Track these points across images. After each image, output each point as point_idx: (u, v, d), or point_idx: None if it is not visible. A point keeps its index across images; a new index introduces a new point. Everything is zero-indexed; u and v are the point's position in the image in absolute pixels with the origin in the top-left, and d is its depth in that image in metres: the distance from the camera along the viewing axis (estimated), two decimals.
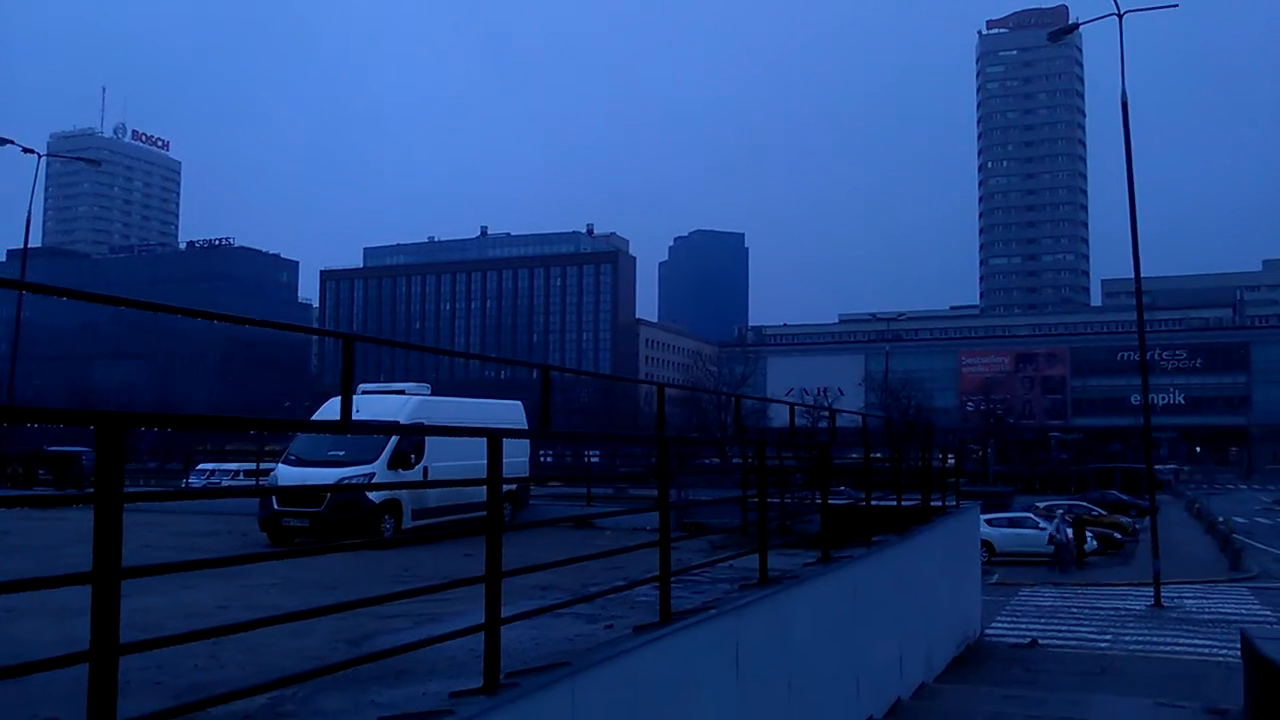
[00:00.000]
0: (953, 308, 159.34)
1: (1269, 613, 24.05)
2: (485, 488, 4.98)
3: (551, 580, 8.52)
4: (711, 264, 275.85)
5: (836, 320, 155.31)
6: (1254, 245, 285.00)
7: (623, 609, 7.49)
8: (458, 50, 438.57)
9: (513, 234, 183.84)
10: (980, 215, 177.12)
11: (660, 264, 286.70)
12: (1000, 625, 21.81)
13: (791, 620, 8.71)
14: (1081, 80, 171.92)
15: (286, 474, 15.46)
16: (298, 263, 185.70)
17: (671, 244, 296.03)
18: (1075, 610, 24.63)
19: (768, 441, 10.09)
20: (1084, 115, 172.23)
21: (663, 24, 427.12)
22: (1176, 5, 27.98)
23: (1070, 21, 29.67)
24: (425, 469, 15.60)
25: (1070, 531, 32.26)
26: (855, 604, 10.85)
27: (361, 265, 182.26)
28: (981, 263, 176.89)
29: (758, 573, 8.67)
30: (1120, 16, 26.22)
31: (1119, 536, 37.65)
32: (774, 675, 8.15)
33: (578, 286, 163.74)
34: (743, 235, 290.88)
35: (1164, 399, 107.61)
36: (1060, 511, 34.46)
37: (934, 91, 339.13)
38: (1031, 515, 37.55)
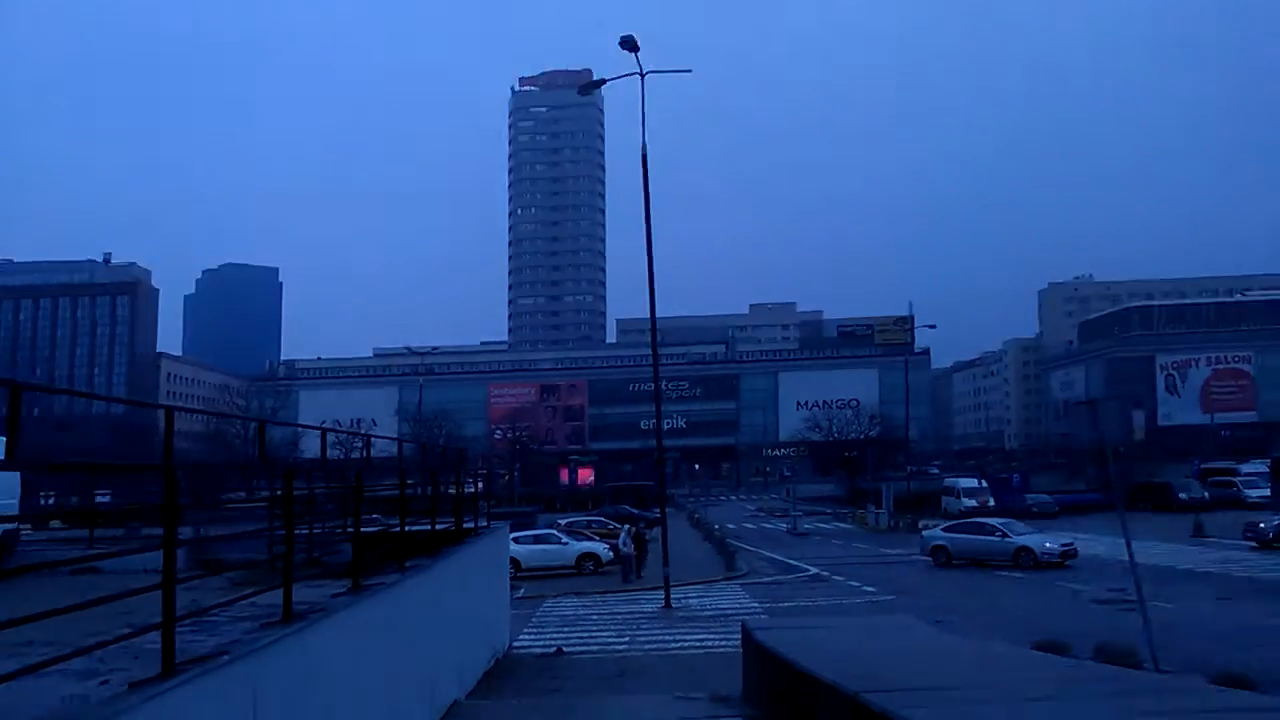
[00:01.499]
0: (483, 343, 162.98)
1: (757, 605, 26.31)
2: None
3: (48, 636, 7.31)
4: (243, 298, 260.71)
5: (371, 354, 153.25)
6: (744, 291, 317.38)
7: (126, 660, 6.53)
8: None
9: (15, 260, 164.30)
10: (510, 258, 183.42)
11: (186, 297, 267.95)
12: (527, 637, 22.10)
13: (319, 657, 8.02)
14: (602, 138, 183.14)
15: None
16: None
17: (200, 277, 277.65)
18: (595, 617, 25.56)
19: (298, 471, 9.38)
20: (604, 170, 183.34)
21: (190, 41, 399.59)
22: (690, 71, 30.38)
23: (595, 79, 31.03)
24: None
25: (632, 544, 33.40)
26: (389, 632, 10.34)
27: None
28: (510, 302, 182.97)
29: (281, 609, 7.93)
30: (642, 76, 27.39)
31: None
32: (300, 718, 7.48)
33: (90, 320, 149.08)
34: (277, 270, 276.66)
35: (669, 424, 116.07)
36: (627, 528, 35.74)
37: (473, 140, 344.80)
38: (554, 531, 38.88)
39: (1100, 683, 10.00)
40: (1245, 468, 63.20)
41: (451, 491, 16.88)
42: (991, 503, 56.14)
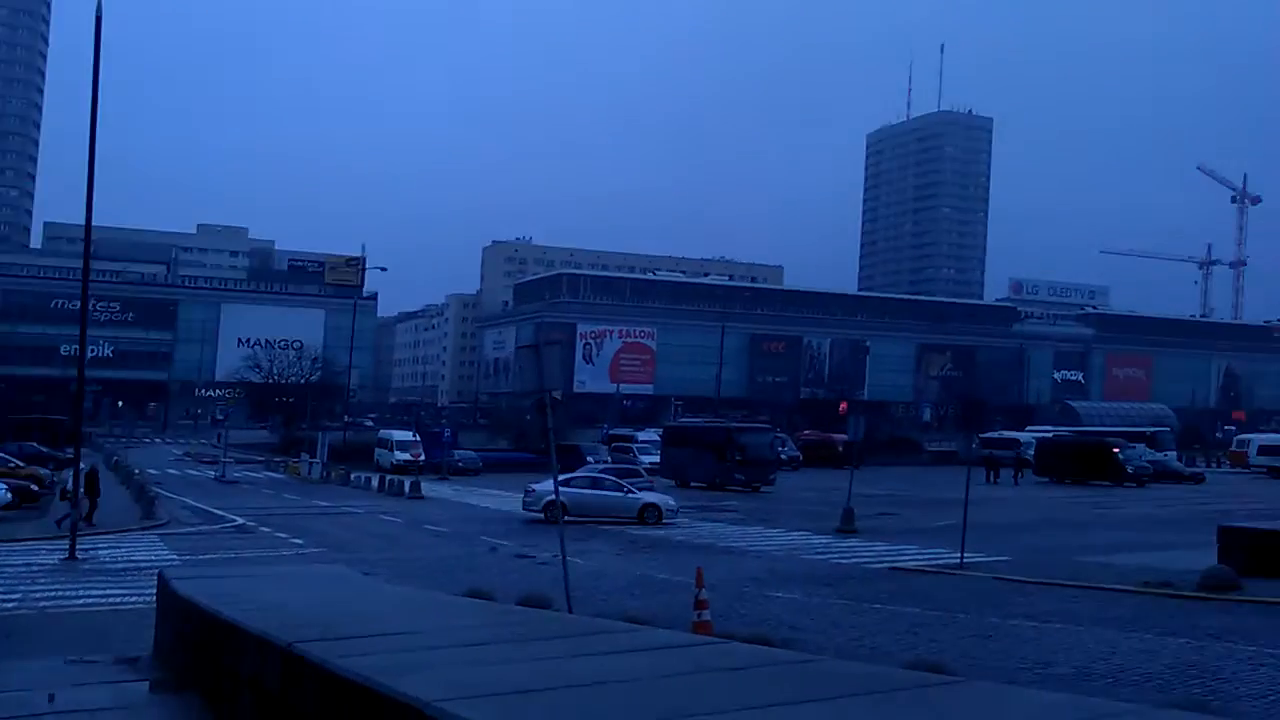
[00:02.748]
0: None
1: (176, 556, 24.16)
2: None
3: None
4: None
5: None
6: (192, 210, 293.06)
7: None
8: None
9: None
10: None
11: None
12: None
13: None
14: (49, 5, 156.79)
15: None
16: None
17: None
18: None
19: None
20: (47, 43, 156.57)
21: None
22: None
23: None
24: None
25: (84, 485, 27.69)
26: None
27: None
28: None
29: None
30: None
31: (36, 489, 35.20)
32: None
33: None
34: None
35: (94, 351, 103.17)
36: (84, 466, 29.57)
37: None
38: None
39: (525, 625, 10.12)
40: (641, 435, 69.71)
41: None
42: (423, 457, 57.16)
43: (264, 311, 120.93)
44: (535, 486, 33.03)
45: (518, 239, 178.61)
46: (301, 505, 39.91)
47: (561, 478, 34.34)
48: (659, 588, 19.78)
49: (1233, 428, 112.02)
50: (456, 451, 59.77)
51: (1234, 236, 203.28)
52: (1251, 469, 65.01)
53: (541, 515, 31.74)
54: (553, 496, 30.84)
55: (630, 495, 32.70)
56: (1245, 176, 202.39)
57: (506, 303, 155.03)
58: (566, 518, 30.77)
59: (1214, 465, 73.36)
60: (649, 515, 31.92)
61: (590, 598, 17.54)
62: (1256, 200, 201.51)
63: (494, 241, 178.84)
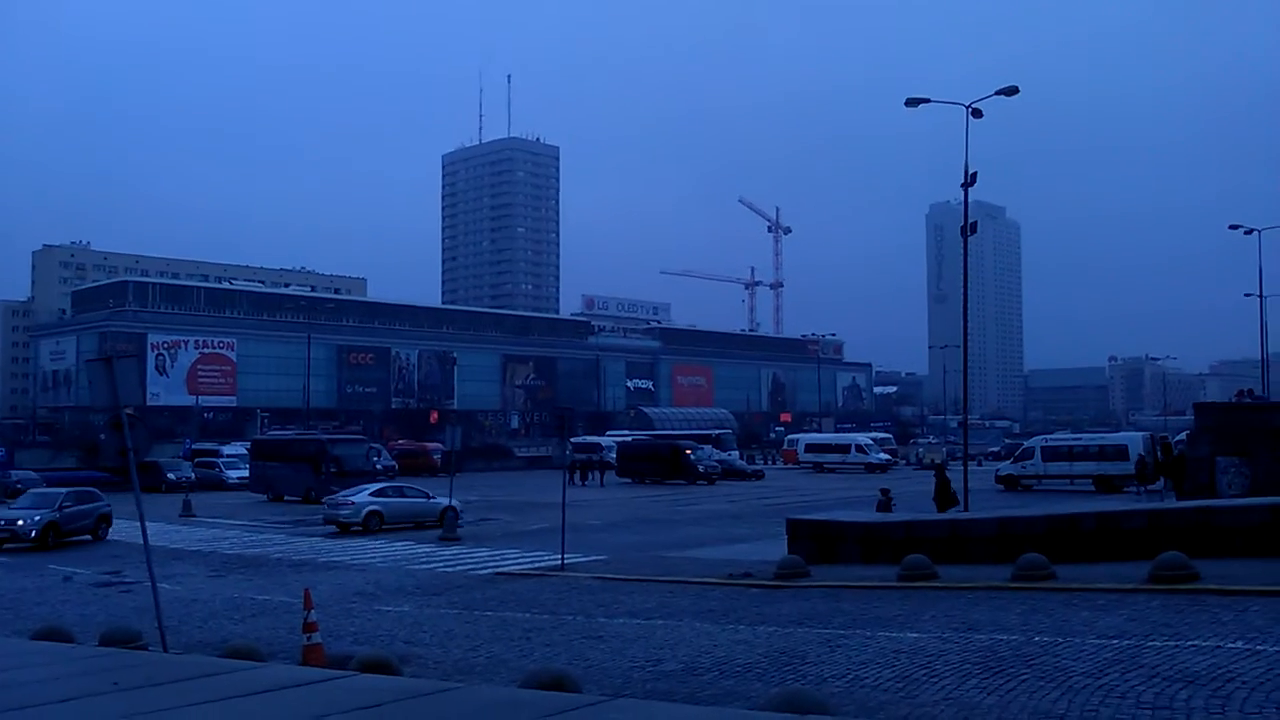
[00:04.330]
0: None
1: None
2: None
3: None
4: None
5: None
6: None
7: None
8: None
9: None
10: None
11: None
12: None
13: None
14: None
15: None
16: None
17: None
18: None
19: None
20: None
21: None
22: None
23: None
24: None
25: None
26: None
27: None
28: None
29: None
30: None
31: None
32: None
33: None
34: None
35: None
36: None
37: None
38: None
39: (115, 671, 8.92)
40: (227, 449, 65.57)
41: None
42: None
43: None
44: (354, 499, 33.48)
45: (74, 243, 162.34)
46: None
47: (372, 488, 35.40)
48: (260, 610, 18.36)
49: (782, 428, 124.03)
50: (14, 472, 53.14)
51: (772, 261, 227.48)
52: (801, 464, 72.16)
53: (362, 525, 32.37)
54: (372, 507, 33.00)
55: (433, 500, 34.35)
56: (778, 209, 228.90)
57: (64, 311, 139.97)
58: (383, 525, 32.48)
59: (770, 462, 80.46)
60: (449, 515, 32.62)
61: (185, 627, 16.01)
62: (788, 230, 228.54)
63: (45, 245, 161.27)
